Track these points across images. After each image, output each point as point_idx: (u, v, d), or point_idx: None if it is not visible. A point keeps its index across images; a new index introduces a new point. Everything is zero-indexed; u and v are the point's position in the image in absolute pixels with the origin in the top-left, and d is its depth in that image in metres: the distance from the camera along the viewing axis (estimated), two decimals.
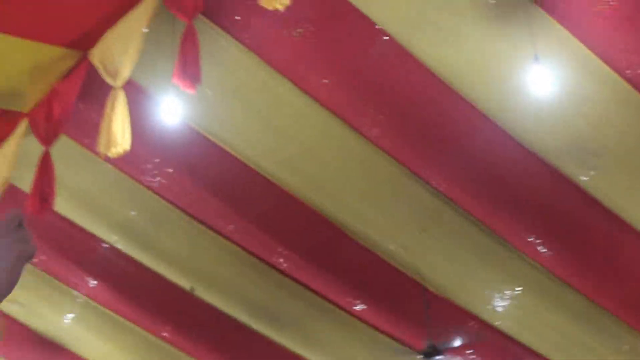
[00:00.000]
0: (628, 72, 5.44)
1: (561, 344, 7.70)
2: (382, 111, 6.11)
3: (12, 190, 6.77)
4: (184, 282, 7.65)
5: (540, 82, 5.39)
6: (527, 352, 7.85)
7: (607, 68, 5.44)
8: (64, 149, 6.34)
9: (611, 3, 5.05)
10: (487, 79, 5.62)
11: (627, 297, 7.19)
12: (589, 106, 5.75)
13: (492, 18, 5.29)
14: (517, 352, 7.89)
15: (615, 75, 5.47)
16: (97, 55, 5.70)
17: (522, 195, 6.49)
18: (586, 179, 6.18)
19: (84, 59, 5.80)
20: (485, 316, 7.62)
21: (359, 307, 7.82)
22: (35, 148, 5.96)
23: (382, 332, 8.01)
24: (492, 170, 6.32)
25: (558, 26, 5.21)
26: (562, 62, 5.46)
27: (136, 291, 7.91)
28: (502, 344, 7.85)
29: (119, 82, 5.49)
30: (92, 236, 7.38)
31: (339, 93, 6.05)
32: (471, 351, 8.13)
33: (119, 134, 5.44)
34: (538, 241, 6.86)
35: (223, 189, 6.86)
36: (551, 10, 5.15)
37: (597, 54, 5.39)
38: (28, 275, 7.80)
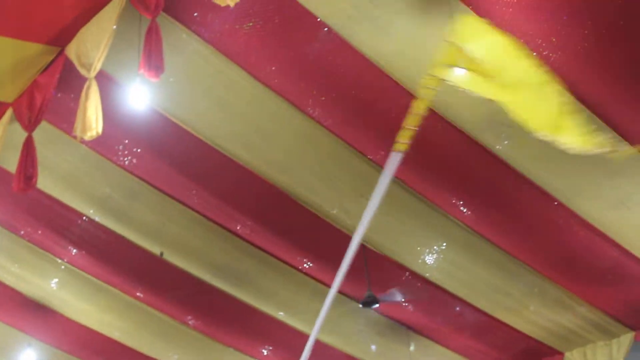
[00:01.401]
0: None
1: (482, 290, 7.85)
2: (324, 94, 6.13)
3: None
4: (154, 248, 7.64)
5: None
6: (454, 299, 7.94)
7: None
8: (45, 133, 6.32)
9: None
10: (414, 63, 5.64)
11: (536, 248, 7.33)
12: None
13: (418, 9, 5.29)
14: (444, 299, 7.96)
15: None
16: (72, 51, 5.69)
17: (447, 164, 6.54)
18: (500, 147, 6.23)
19: (61, 54, 5.81)
20: (417, 269, 7.69)
21: (306, 265, 7.84)
22: (20, 133, 5.87)
23: (326, 285, 8.01)
24: (420, 142, 6.29)
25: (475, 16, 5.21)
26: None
27: (112, 257, 7.88)
28: (431, 293, 7.91)
29: (92, 74, 5.50)
30: (72, 210, 7.34)
31: (286, 79, 6.08)
32: (404, 300, 8.18)
33: (92, 119, 5.45)
34: (461, 203, 6.93)
35: (187, 165, 6.85)
36: (468, 2, 5.16)
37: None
38: (17, 246, 7.65)
